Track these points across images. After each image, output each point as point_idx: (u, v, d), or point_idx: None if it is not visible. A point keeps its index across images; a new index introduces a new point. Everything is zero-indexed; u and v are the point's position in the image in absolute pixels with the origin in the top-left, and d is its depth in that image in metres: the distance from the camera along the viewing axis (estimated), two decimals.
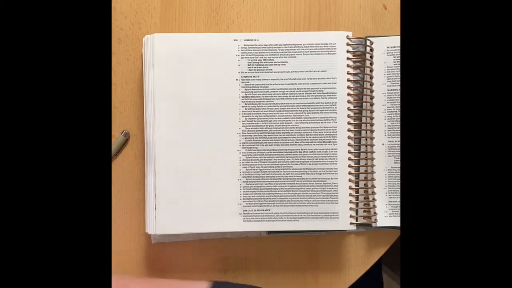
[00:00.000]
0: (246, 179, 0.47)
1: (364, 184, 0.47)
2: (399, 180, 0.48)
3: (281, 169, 0.47)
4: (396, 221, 0.48)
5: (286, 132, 0.47)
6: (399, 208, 0.48)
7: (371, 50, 0.48)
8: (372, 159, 0.48)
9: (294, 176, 0.47)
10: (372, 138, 0.48)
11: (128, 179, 0.49)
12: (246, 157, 0.47)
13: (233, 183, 0.47)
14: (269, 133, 0.47)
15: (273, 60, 0.47)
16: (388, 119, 0.48)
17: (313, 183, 0.47)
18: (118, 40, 0.49)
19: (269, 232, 0.49)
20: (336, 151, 0.47)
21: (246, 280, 0.48)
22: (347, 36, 0.47)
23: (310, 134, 0.47)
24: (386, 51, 0.48)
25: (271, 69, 0.47)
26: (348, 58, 0.47)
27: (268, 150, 0.47)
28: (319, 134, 0.47)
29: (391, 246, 0.49)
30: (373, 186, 0.48)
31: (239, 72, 0.47)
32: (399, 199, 0.48)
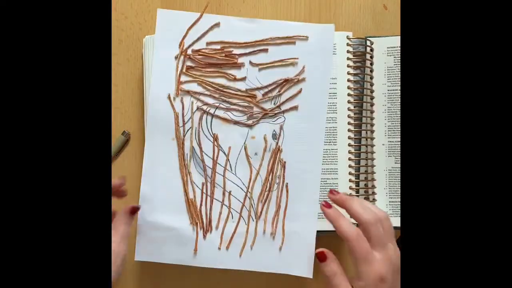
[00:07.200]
0: None
1: (365, 185, 0.47)
2: (400, 180, 0.48)
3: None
4: (396, 221, 0.48)
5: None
6: (399, 208, 0.48)
7: (371, 50, 0.48)
8: (373, 159, 0.48)
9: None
10: (372, 139, 0.48)
11: (128, 179, 0.49)
12: None
13: None
14: None
15: None
16: (389, 119, 0.48)
17: None
18: (119, 40, 0.49)
19: None
20: (337, 151, 0.47)
21: (246, 280, 0.48)
22: (347, 36, 0.47)
23: None
24: (386, 51, 0.48)
25: None
26: (348, 59, 0.47)
27: None
28: None
29: None
30: (373, 187, 0.48)
31: None
32: (399, 199, 0.48)
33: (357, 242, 0.37)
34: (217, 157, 0.47)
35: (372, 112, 0.48)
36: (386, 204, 0.48)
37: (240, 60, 0.47)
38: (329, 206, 0.40)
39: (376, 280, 0.36)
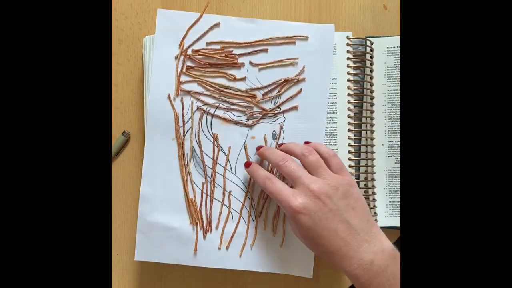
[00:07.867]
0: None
1: (365, 185, 0.47)
2: (399, 180, 0.48)
3: None
4: (396, 221, 0.48)
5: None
6: (399, 208, 0.48)
7: (371, 50, 0.48)
8: (372, 159, 0.48)
9: None
10: (372, 139, 0.48)
11: (128, 179, 0.49)
12: None
13: None
14: None
15: None
16: (388, 119, 0.48)
17: None
18: (119, 40, 0.49)
19: None
20: (337, 151, 0.47)
21: (246, 280, 0.48)
22: (347, 36, 0.47)
23: None
24: (386, 51, 0.48)
25: None
26: (348, 59, 0.47)
27: None
28: None
29: None
30: (373, 187, 0.48)
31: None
32: (399, 199, 0.48)
33: (284, 161, 0.40)
34: (217, 157, 0.47)
35: (372, 112, 0.48)
36: (386, 204, 0.48)
37: (240, 60, 0.47)
38: (249, 165, 0.44)
39: (312, 197, 0.38)
